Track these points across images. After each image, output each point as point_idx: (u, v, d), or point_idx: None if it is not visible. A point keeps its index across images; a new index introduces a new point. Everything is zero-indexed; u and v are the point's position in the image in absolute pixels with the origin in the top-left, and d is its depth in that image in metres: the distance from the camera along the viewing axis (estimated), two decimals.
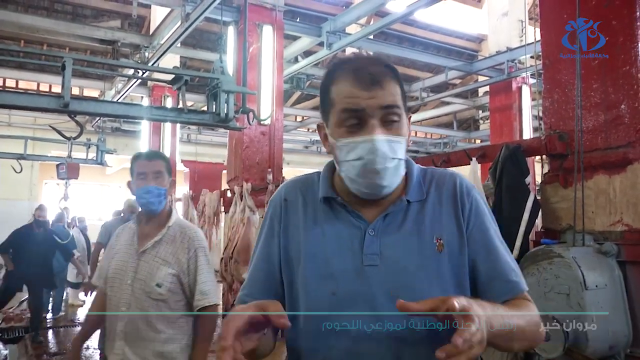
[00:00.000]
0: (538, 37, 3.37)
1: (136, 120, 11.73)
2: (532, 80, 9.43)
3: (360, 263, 1.15)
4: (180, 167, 12.09)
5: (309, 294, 1.17)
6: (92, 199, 18.02)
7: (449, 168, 3.96)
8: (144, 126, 11.71)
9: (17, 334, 5.83)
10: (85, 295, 6.45)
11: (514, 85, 9.71)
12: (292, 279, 1.21)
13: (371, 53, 1.26)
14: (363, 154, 1.13)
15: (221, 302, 5.94)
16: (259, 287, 1.24)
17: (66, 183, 6.03)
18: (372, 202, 1.21)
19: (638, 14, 2.71)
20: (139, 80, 9.29)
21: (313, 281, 1.17)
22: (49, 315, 8.42)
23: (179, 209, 9.48)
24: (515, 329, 1.07)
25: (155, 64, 7.87)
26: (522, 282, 1.22)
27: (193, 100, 11.67)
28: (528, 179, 3.11)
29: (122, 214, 8.30)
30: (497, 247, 1.21)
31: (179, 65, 10.72)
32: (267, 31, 6.73)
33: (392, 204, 1.20)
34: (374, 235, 1.17)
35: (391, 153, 1.14)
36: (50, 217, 9.77)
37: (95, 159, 7.73)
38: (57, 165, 6.36)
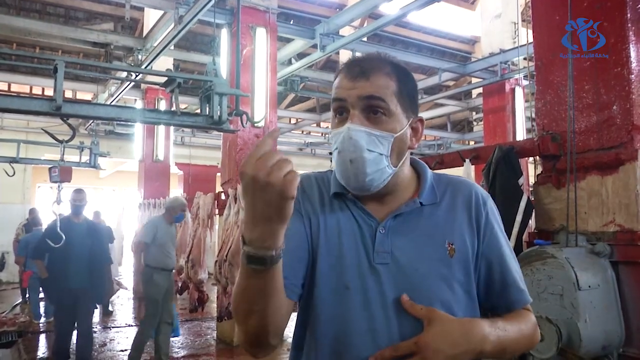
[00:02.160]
0: (531, 39, 3.39)
1: (130, 123, 11.71)
2: (525, 82, 9.48)
3: (372, 260, 1.15)
4: (174, 169, 12.06)
5: (324, 286, 1.17)
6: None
7: (442, 170, 3.98)
8: (138, 129, 11.69)
9: (9, 339, 5.77)
10: None
11: (507, 87, 9.76)
12: (312, 269, 1.19)
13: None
14: (339, 144, 1.15)
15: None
16: (286, 266, 1.10)
17: (59, 186, 5.95)
18: (383, 201, 1.21)
19: (629, 15, 2.73)
20: (132, 83, 9.27)
21: (328, 273, 1.17)
22: (42, 320, 8.38)
23: None
24: (508, 349, 1.14)
25: (149, 67, 7.85)
26: (527, 291, 1.27)
27: (186, 103, 11.65)
28: (521, 180, 3.12)
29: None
30: (509, 256, 1.24)
31: (172, 68, 10.70)
32: (261, 33, 6.74)
33: (404, 204, 1.20)
34: (385, 234, 1.17)
35: (369, 145, 1.13)
36: (44, 219, 9.77)
37: (88, 162, 7.68)
38: (50, 169, 6.29)
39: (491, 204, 1.26)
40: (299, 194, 1.23)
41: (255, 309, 1.05)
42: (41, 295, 8.36)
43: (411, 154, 1.26)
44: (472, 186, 1.26)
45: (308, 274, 1.19)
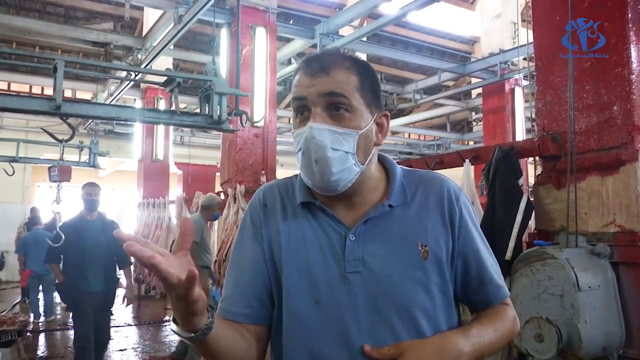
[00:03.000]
0: (531, 39, 3.38)
1: (129, 123, 11.70)
2: (525, 82, 9.48)
3: (343, 270, 1.11)
4: (173, 169, 12.06)
5: (293, 302, 1.13)
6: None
7: (442, 170, 3.97)
8: (137, 129, 11.68)
9: (9, 338, 5.76)
10: None
11: (507, 87, 9.75)
12: (279, 286, 1.17)
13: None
14: (302, 144, 1.11)
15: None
16: (244, 295, 1.17)
17: (58, 186, 5.92)
18: (351, 204, 1.17)
19: (630, 15, 2.72)
20: (132, 83, 9.26)
21: (296, 289, 1.13)
22: (41, 319, 8.37)
23: (172, 212, 9.46)
24: (485, 353, 1.13)
25: (148, 66, 7.84)
26: (505, 285, 1.26)
27: (186, 103, 11.65)
28: (521, 181, 3.11)
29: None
30: (484, 252, 1.22)
31: (171, 67, 10.68)
32: (260, 33, 6.72)
33: (372, 209, 1.16)
34: (355, 241, 1.12)
35: (333, 144, 1.09)
36: (44, 219, 9.76)
37: (87, 161, 7.67)
38: (49, 168, 6.27)
39: (464, 199, 1.22)
40: (261, 211, 1.23)
41: None
42: (40, 295, 8.37)
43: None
44: (444, 182, 1.22)
45: (276, 294, 1.17)
